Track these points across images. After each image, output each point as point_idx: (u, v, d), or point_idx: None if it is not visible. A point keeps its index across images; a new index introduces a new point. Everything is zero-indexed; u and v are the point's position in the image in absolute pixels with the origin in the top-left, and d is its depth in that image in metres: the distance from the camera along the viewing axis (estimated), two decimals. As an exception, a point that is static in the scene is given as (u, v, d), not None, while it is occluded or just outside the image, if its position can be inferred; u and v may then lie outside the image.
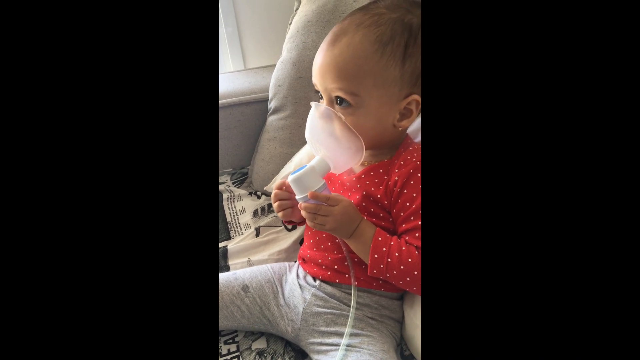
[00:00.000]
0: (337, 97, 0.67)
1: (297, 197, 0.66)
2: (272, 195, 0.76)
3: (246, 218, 1.06)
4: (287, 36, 1.17)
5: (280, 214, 0.76)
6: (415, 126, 0.82)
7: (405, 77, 0.65)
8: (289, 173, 1.06)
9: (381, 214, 0.69)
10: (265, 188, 1.14)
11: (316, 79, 0.69)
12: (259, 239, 0.98)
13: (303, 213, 0.65)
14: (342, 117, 0.66)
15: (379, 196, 0.68)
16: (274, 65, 1.21)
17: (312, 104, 0.69)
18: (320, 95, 0.70)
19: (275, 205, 0.76)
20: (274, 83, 1.17)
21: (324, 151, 0.68)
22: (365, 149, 0.67)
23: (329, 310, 0.70)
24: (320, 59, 0.68)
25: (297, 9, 1.20)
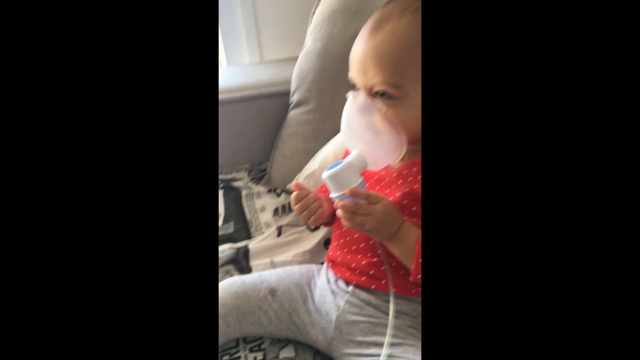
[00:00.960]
0: (377, 90, 0.62)
1: (332, 195, 0.61)
2: (293, 196, 0.70)
3: (267, 216, 1.01)
4: (312, 26, 1.12)
5: (302, 215, 0.70)
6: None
7: None
8: (313, 171, 1.02)
9: (425, 214, 0.64)
10: (287, 186, 1.09)
11: (354, 72, 0.64)
12: (280, 239, 0.94)
13: (339, 212, 0.60)
14: (383, 109, 0.61)
15: None
16: (294, 57, 1.16)
17: (350, 94, 0.64)
18: (356, 88, 0.65)
19: (296, 207, 0.70)
20: (297, 75, 1.12)
21: (361, 146, 0.63)
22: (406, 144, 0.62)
23: (365, 319, 0.65)
24: (359, 49, 0.63)
25: (320, -2, 1.15)
